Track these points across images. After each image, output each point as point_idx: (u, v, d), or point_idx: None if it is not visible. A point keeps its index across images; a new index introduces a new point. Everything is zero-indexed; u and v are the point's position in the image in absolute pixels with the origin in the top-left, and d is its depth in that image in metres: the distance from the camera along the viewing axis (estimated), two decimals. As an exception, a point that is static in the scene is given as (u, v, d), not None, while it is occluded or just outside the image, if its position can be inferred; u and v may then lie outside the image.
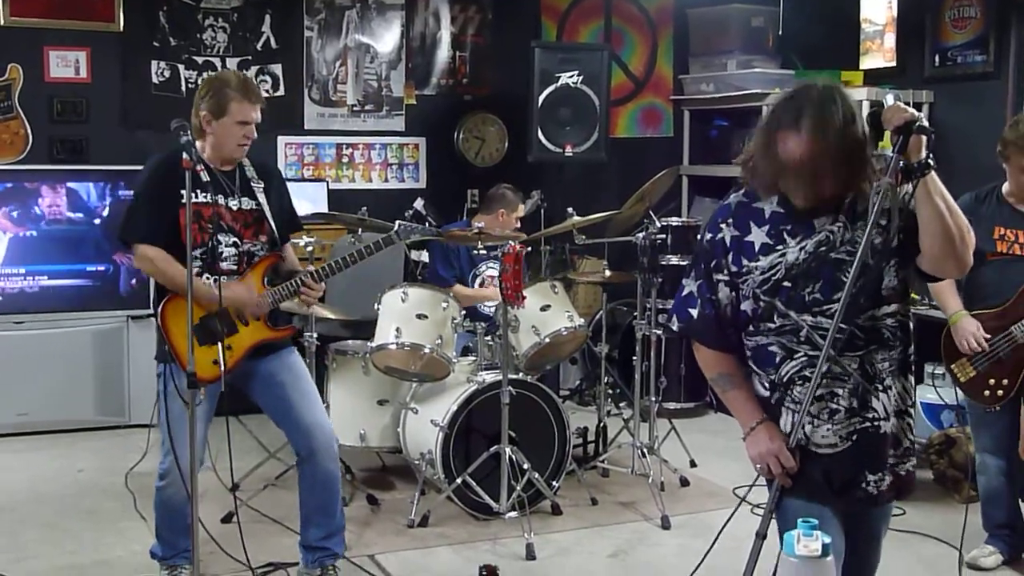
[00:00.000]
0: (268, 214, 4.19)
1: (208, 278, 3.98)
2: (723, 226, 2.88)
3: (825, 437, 2.81)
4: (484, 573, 2.74)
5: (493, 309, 5.83)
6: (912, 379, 2.92)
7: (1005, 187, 4.47)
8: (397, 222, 4.56)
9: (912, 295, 5.52)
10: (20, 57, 6.68)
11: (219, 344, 3.87)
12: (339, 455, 4.35)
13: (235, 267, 4.11)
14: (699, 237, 3.00)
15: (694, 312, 2.93)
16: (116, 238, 4.18)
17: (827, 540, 2.20)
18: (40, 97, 6.75)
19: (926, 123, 2.67)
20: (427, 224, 6.63)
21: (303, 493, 4.27)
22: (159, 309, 4.00)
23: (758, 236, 2.83)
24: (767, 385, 2.88)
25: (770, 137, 2.73)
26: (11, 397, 6.33)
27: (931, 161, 2.66)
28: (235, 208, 4.12)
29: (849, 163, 2.67)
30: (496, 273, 5.66)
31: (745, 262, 2.83)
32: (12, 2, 6.62)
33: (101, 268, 6.60)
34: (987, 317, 4.44)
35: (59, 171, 6.62)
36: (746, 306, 2.85)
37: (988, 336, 4.41)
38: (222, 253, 4.07)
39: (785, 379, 2.83)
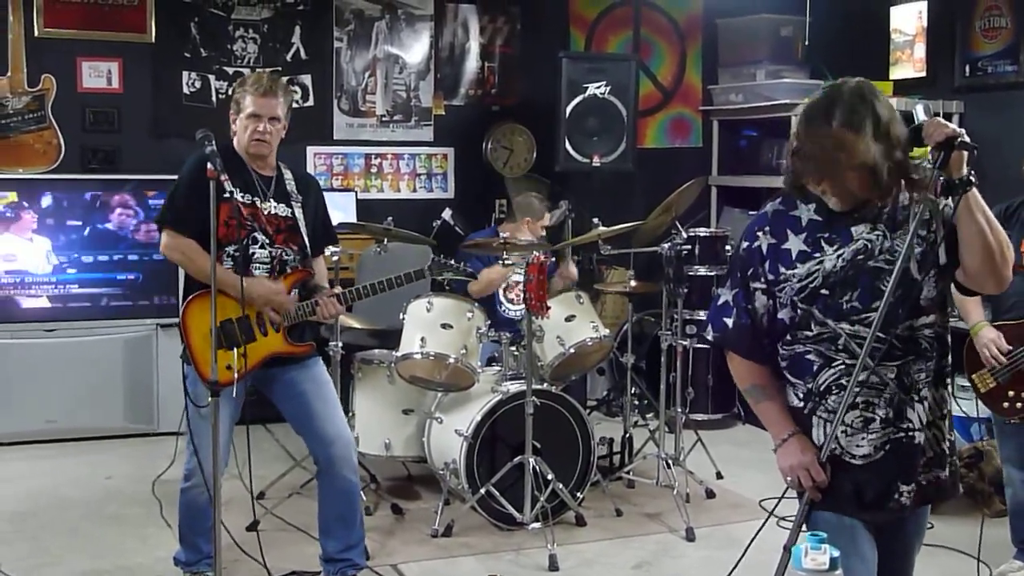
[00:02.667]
0: (302, 226, 4.23)
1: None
2: (760, 234, 2.87)
3: (860, 447, 2.79)
4: (491, 582, 2.73)
5: (518, 315, 5.81)
6: (947, 390, 2.89)
7: None
8: (430, 256, 4.60)
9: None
10: (53, 68, 6.75)
11: (235, 350, 3.89)
12: (360, 466, 4.36)
13: (267, 274, 4.14)
14: (736, 247, 2.98)
15: (729, 322, 2.92)
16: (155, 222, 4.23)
17: (835, 554, 2.18)
18: (73, 107, 6.82)
19: (968, 139, 2.63)
20: (455, 229, 6.67)
21: (322, 502, 4.29)
22: (182, 309, 4.04)
23: (795, 244, 2.81)
24: (802, 395, 2.86)
25: (804, 130, 2.70)
26: (41, 404, 6.39)
27: (973, 178, 2.63)
28: (268, 212, 4.15)
29: (883, 159, 2.64)
30: (520, 279, 5.65)
31: (782, 270, 2.82)
32: (46, 14, 6.70)
33: (131, 277, 6.65)
34: (1010, 328, 4.41)
35: (91, 180, 6.69)
36: (783, 314, 2.84)
37: (1011, 347, 4.38)
38: (254, 254, 4.10)
39: (822, 388, 2.81)
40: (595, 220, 5.81)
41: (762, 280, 2.85)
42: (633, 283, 5.89)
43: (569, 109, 7.06)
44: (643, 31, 8.15)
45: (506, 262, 5.20)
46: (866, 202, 2.74)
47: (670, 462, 5.65)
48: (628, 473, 5.83)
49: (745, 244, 2.90)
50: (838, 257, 2.77)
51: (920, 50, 6.91)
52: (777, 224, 2.85)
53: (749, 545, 3.13)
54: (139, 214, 6.64)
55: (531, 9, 7.86)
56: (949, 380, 2.90)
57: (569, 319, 5.41)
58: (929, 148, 2.68)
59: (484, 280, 5.83)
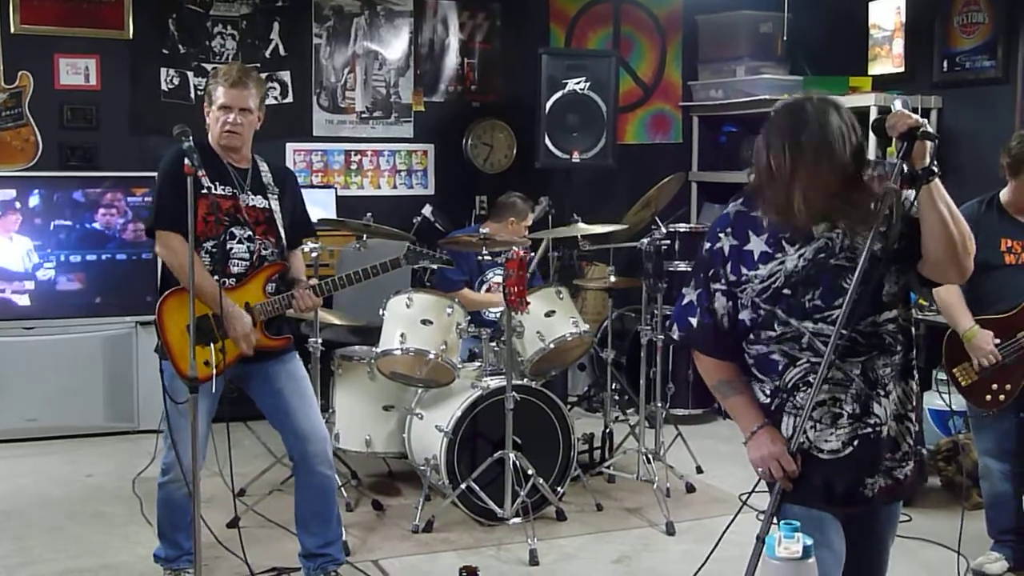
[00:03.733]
0: (279, 219, 4.21)
1: (217, 280, 3.99)
2: (722, 236, 2.89)
3: (828, 442, 2.82)
4: (464, 575, 2.72)
5: (498, 315, 5.83)
6: (914, 384, 2.92)
7: (1004, 196, 4.47)
8: (406, 245, 4.57)
9: (921, 301, 5.51)
10: (30, 65, 6.72)
11: (212, 346, 3.88)
12: (341, 462, 4.35)
13: (244, 271, 4.12)
14: (700, 246, 3.00)
15: (694, 321, 2.94)
16: (144, 230, 4.21)
17: (808, 542, 2.19)
18: (50, 104, 6.79)
19: (930, 129, 2.67)
20: (436, 225, 6.67)
21: (298, 499, 4.29)
22: (158, 304, 4.02)
23: (757, 245, 2.83)
24: (768, 392, 2.88)
25: (770, 161, 2.71)
26: (21, 403, 6.36)
27: (935, 167, 2.66)
28: (246, 205, 4.13)
29: (850, 179, 2.67)
30: (500, 280, 5.66)
31: (744, 271, 2.84)
32: (23, 10, 6.67)
33: (110, 274, 6.62)
34: (994, 323, 4.42)
35: (69, 178, 6.65)
36: (744, 315, 2.86)
37: (998, 341, 4.39)
38: (232, 249, 4.08)
39: (789, 385, 2.83)
40: (575, 216, 5.82)
41: (722, 282, 2.87)
42: (613, 279, 5.90)
43: (549, 105, 7.06)
44: (623, 27, 8.16)
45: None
46: (826, 216, 2.75)
47: (650, 457, 5.67)
48: (609, 468, 5.85)
49: (708, 245, 2.92)
50: (799, 256, 2.78)
51: (899, 46, 6.93)
52: (739, 225, 2.87)
53: (722, 536, 3.16)
54: (118, 211, 6.61)
55: (511, 5, 7.86)
56: (916, 373, 2.92)
57: (549, 315, 5.42)
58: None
59: (482, 300, 5.88)
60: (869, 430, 2.81)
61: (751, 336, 2.87)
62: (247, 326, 4.04)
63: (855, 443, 2.81)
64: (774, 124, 2.74)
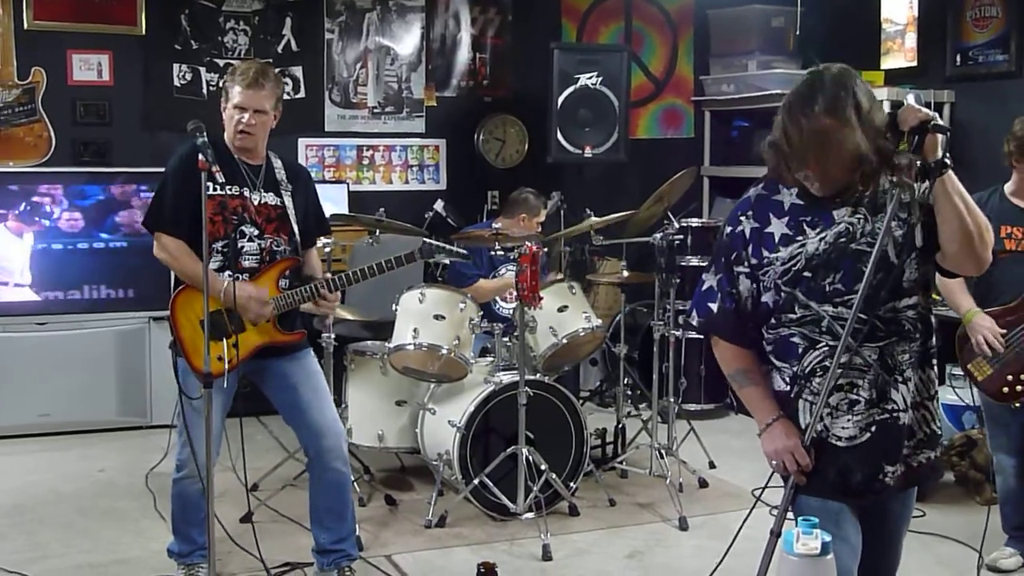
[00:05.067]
0: (292, 216, 4.20)
1: (228, 275, 4.00)
2: (743, 219, 2.89)
3: (845, 428, 2.81)
4: (482, 570, 2.72)
5: (511, 310, 5.83)
6: (933, 372, 2.91)
7: (1009, 186, 4.49)
8: (422, 240, 4.56)
9: (933, 296, 5.49)
10: (43, 60, 6.74)
11: (225, 341, 3.88)
12: (353, 457, 4.35)
13: (256, 265, 4.11)
14: (719, 232, 3.00)
15: (714, 306, 2.93)
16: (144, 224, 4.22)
17: (827, 538, 2.18)
18: (63, 100, 6.81)
19: (941, 122, 2.65)
20: (448, 221, 6.66)
21: (312, 494, 4.29)
22: (171, 299, 4.03)
23: (778, 227, 2.83)
24: (788, 379, 2.87)
25: (787, 119, 2.71)
26: (33, 398, 6.38)
27: (948, 160, 2.65)
28: (257, 202, 4.13)
29: (866, 145, 2.65)
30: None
31: (765, 253, 2.84)
32: (36, 6, 6.68)
33: (123, 269, 6.62)
34: (1001, 313, 4.41)
35: (82, 173, 6.67)
36: (767, 298, 2.86)
37: (1004, 331, 4.38)
38: (243, 247, 4.08)
39: (807, 370, 2.82)
40: (588, 211, 5.81)
41: (745, 264, 2.87)
42: (626, 273, 5.90)
43: (561, 100, 7.06)
44: (635, 22, 8.15)
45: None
46: (848, 186, 2.75)
47: (663, 452, 5.66)
48: (621, 463, 5.85)
49: (728, 229, 2.92)
50: (820, 240, 2.79)
51: (911, 40, 6.91)
52: (760, 209, 2.87)
53: (738, 532, 3.15)
54: (130, 206, 6.62)
55: (522, 0, 7.86)
56: (935, 361, 2.91)
57: (562, 310, 5.42)
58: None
59: (498, 285, 5.86)
60: (886, 416, 2.80)
61: (772, 320, 2.87)
62: (247, 286, 4.03)
63: (873, 429, 2.80)
64: (792, 91, 2.75)
